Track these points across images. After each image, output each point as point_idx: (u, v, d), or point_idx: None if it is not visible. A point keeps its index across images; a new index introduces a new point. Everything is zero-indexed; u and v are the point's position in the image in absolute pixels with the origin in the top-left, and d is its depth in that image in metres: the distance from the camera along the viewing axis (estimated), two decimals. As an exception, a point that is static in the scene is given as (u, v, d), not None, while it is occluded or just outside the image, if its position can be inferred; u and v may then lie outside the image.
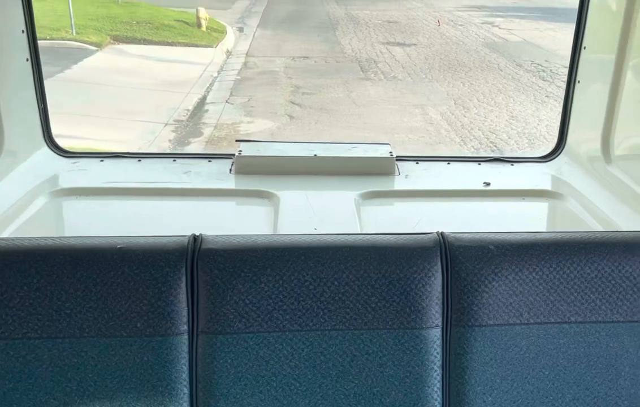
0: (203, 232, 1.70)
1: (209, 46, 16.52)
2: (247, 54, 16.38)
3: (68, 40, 15.45)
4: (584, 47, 2.62)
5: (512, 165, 2.84)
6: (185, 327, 1.57)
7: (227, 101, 11.62)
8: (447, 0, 29.17)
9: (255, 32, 19.76)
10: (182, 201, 2.43)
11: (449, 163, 2.85)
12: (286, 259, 1.58)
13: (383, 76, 13.81)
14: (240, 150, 2.67)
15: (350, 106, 11.32)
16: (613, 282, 1.65)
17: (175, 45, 16.48)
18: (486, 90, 12.72)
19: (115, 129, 9.43)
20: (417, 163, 2.81)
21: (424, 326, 1.60)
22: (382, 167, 2.67)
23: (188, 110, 10.94)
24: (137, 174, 2.60)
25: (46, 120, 2.69)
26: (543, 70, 14.56)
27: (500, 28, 20.94)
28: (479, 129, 10.18)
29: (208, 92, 12.40)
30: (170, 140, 9.22)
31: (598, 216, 2.36)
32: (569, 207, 2.51)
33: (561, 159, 2.82)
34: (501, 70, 14.55)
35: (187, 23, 18.46)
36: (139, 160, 2.74)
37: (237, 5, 26.74)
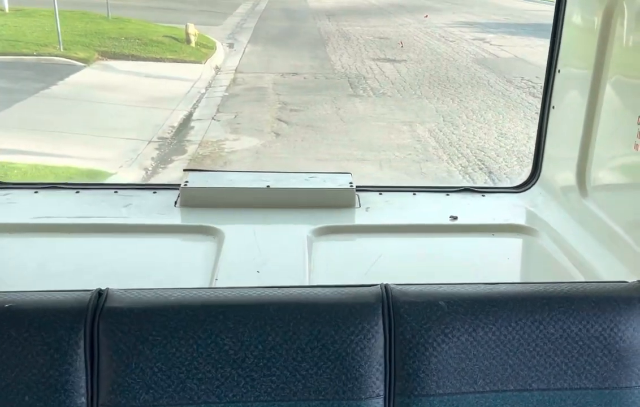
0: (136, 276, 1.53)
1: (198, 62, 16.42)
2: (236, 70, 16.28)
3: (55, 56, 15.32)
4: (559, 71, 2.45)
5: (482, 196, 2.65)
6: (83, 399, 1.35)
7: (213, 118, 11.49)
8: (439, 16, 29.22)
9: (245, 48, 19.67)
10: (118, 239, 2.23)
11: (414, 194, 2.66)
12: (202, 318, 1.37)
13: (372, 93, 13.71)
14: (187, 182, 2.46)
15: (338, 123, 11.20)
16: (580, 343, 1.45)
17: (164, 61, 16.37)
18: (476, 106, 12.62)
19: (97, 146, 9.27)
20: (380, 194, 2.62)
21: (363, 396, 1.40)
22: (340, 199, 2.47)
23: (173, 127, 10.79)
24: (72, 208, 2.40)
25: None
26: (533, 87, 14.48)
27: (491, 44, 20.92)
28: (467, 147, 10.06)
29: (195, 108, 12.26)
30: (152, 158, 9.06)
31: (572, 255, 2.18)
32: (541, 244, 2.33)
33: (535, 190, 2.63)
34: (491, 87, 14.47)
35: (176, 39, 18.36)
36: (77, 192, 2.53)
37: (228, 20, 26.72)
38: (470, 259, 2.23)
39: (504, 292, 1.50)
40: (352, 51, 19.08)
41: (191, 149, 9.63)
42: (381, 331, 1.42)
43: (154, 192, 2.55)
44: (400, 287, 1.49)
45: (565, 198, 2.44)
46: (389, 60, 17.60)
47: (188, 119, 11.47)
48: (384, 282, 1.50)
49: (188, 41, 18.05)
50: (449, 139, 10.46)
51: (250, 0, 35.66)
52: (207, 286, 1.90)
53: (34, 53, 15.38)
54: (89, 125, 10.42)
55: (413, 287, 1.50)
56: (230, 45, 20.24)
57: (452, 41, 21.52)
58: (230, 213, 2.37)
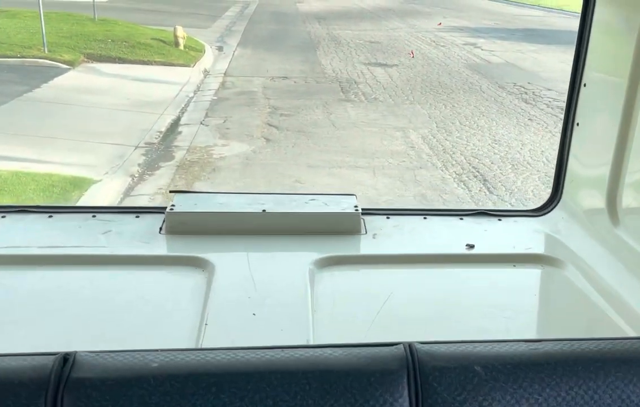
0: (113, 317, 1.27)
1: (186, 65, 16.16)
2: (225, 73, 16.04)
3: (40, 58, 15.01)
4: (584, 84, 2.20)
5: (499, 220, 2.40)
6: None
7: (201, 123, 11.24)
8: (429, 20, 29.12)
9: (235, 51, 19.45)
10: (94, 271, 1.96)
11: (425, 217, 2.41)
12: (189, 391, 1.12)
13: (364, 97, 13.51)
14: (173, 205, 2.19)
15: (330, 129, 10.99)
16: None
17: (152, 64, 16.09)
18: (468, 112, 12.46)
19: (81, 152, 8.99)
20: (387, 218, 2.36)
21: None
22: (345, 225, 2.22)
23: (160, 132, 10.53)
24: (44, 235, 2.13)
25: None
26: (525, 93, 14.36)
27: (482, 49, 20.82)
28: (461, 154, 9.88)
29: (183, 113, 12.01)
30: (139, 164, 8.79)
31: (606, 291, 1.93)
32: (568, 277, 2.08)
33: (557, 214, 2.39)
34: (483, 92, 14.32)
35: (164, 42, 18.09)
36: (50, 216, 2.25)
37: (217, 23, 26.49)
38: (492, 294, 1.97)
39: (550, 352, 1.25)
40: (343, 55, 18.89)
41: (179, 154, 9.38)
42: (407, 404, 1.16)
43: (137, 217, 2.27)
44: (427, 347, 1.23)
45: (591, 224, 2.20)
46: (380, 64, 17.42)
47: (176, 123, 11.21)
48: (407, 340, 1.23)
49: (176, 44, 17.78)
50: (442, 145, 10.28)
51: (239, 3, 35.42)
52: (196, 329, 1.65)
53: (18, 55, 15.06)
54: (73, 129, 10.13)
55: (443, 348, 1.24)
56: (220, 49, 20.00)
57: (443, 46, 21.39)
58: (222, 241, 2.12)
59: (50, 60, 14.93)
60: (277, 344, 1.26)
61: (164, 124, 11.01)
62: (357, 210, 2.27)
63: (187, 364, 1.17)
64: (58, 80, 13.56)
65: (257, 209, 2.21)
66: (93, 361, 1.16)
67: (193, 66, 16.21)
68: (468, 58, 19.08)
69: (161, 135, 10.35)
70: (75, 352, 1.17)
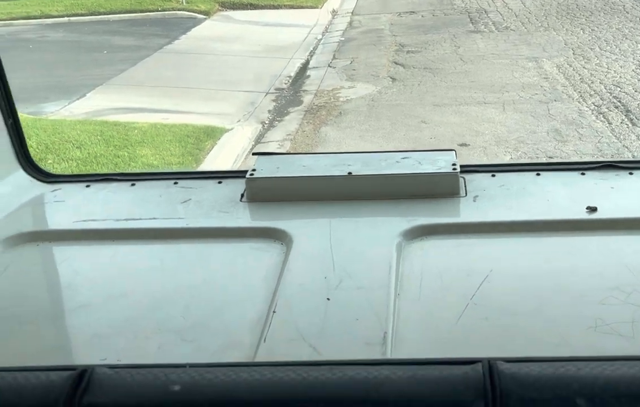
0: (176, 298, 1.29)
1: (315, 7, 16.27)
2: (352, 12, 15.98)
3: (178, 10, 15.79)
4: None
5: (630, 174, 1.99)
6: None
7: (329, 65, 11.37)
8: None
9: (362, -12, 19.26)
10: (165, 246, 1.87)
11: (538, 174, 2.05)
12: None
13: (494, 27, 12.97)
14: (254, 170, 2.06)
15: (457, 63, 10.72)
16: None
17: (281, 8, 16.37)
18: (609, 36, 11.59)
19: (215, 101, 9.47)
20: (492, 175, 2.04)
21: None
22: (441, 187, 1.96)
23: (290, 76, 10.81)
24: (124, 206, 2.07)
25: (19, 138, 2.11)
26: (678, 9, 13.08)
27: (629, -37, 19.08)
28: (600, 82, 9.28)
29: (311, 56, 12.20)
30: (269, 111, 9.13)
31: None
32: None
33: None
34: (627, 13, 13.20)
35: (293, -16, 18.27)
36: (132, 184, 2.18)
37: (345, -41, 26.23)
38: (619, 274, 1.58)
39: None
40: (474, -17, 18.11)
41: (307, 99, 9.61)
42: None
43: (219, 183, 2.14)
44: (514, 369, 0.97)
45: None
46: (513, -11, 16.54)
47: (304, 67, 11.43)
48: (487, 356, 0.98)
49: (304, -15, 17.89)
50: (579, 74, 9.70)
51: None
52: (263, 317, 1.49)
53: (159, 8, 15.93)
54: (208, 79, 10.67)
55: (535, 370, 0.96)
56: (347, -14, 19.89)
57: (584, -37, 19.84)
58: (304, 209, 1.98)
59: (188, 11, 15.67)
60: (350, 337, 1.23)
61: (293, 68, 11.28)
62: (455, 169, 2.00)
63: (227, 383, 0.99)
64: (195, 31, 14.23)
65: (343, 171, 2.04)
66: (109, 381, 1.00)
67: (321, 7, 16.28)
68: (613, -26, 17.59)
69: (290, 80, 10.62)
70: (92, 368, 1.01)
